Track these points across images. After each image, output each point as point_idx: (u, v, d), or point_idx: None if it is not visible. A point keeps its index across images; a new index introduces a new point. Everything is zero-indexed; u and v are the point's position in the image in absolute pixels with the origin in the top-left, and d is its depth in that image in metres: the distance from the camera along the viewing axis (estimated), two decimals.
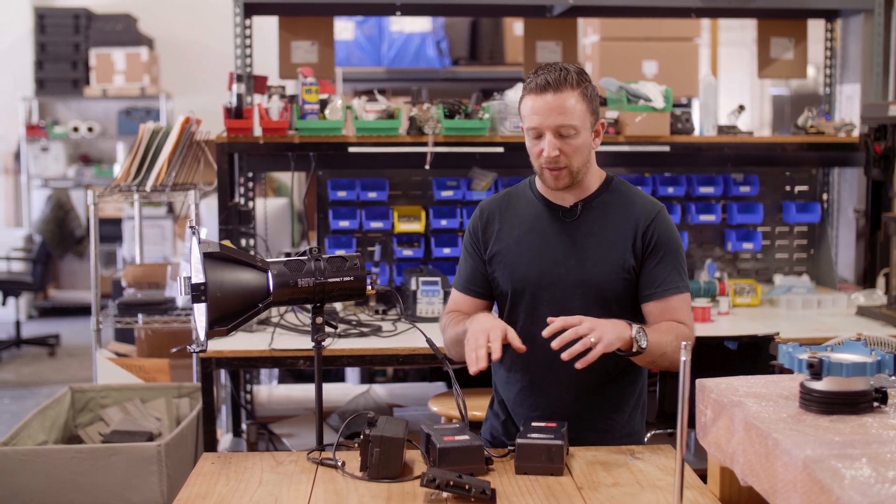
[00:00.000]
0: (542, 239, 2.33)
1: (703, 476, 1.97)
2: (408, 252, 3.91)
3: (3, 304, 7.16)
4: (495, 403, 2.48)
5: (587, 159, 2.28)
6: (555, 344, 2.04)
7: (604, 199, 2.34)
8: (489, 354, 2.05)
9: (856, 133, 4.07)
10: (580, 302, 2.27)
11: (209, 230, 4.10)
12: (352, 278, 2.11)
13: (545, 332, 2.07)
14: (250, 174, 4.02)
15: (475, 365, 2.04)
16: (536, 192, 2.38)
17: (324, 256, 2.12)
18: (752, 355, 3.08)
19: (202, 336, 2.05)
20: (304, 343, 3.20)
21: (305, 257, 2.12)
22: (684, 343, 1.59)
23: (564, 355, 2.04)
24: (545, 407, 2.33)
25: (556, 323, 2.07)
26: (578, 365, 2.03)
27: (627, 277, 2.29)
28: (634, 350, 2.11)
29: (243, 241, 3.87)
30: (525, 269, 2.31)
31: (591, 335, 2.02)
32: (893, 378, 1.78)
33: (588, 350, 2.02)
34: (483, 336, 2.07)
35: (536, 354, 2.30)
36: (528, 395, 2.36)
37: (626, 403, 2.37)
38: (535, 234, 2.34)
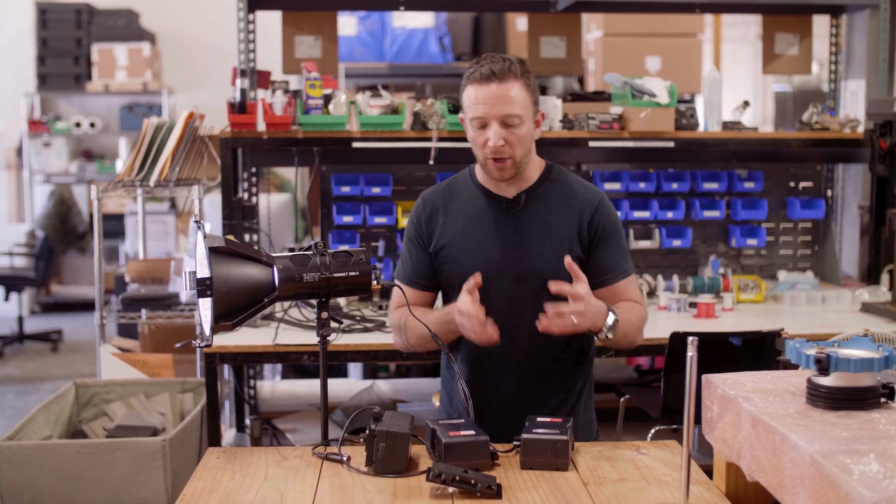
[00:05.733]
0: (487, 231, 2.32)
1: (708, 472, 1.97)
2: None
3: (6, 299, 7.16)
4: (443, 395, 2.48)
5: (529, 149, 2.28)
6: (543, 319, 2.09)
7: (545, 188, 2.33)
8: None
9: (860, 129, 4.07)
10: (528, 292, 2.27)
11: (213, 226, 4.09)
12: (357, 273, 2.11)
13: (554, 289, 2.11)
14: (254, 169, 4.02)
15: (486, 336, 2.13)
16: (478, 184, 2.37)
17: (329, 251, 2.11)
18: (757, 351, 3.09)
19: (207, 331, 2.05)
20: (308, 338, 3.20)
21: (311, 252, 2.11)
22: (690, 339, 1.59)
23: (549, 313, 2.09)
24: (490, 396, 2.32)
25: (563, 287, 2.10)
26: (540, 326, 2.10)
27: None
28: (601, 336, 2.16)
29: (247, 237, 3.87)
30: (472, 261, 2.30)
31: (576, 318, 2.07)
32: None
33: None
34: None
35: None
36: (474, 385, 2.33)
37: (572, 395, 2.35)
38: (480, 226, 2.33)
